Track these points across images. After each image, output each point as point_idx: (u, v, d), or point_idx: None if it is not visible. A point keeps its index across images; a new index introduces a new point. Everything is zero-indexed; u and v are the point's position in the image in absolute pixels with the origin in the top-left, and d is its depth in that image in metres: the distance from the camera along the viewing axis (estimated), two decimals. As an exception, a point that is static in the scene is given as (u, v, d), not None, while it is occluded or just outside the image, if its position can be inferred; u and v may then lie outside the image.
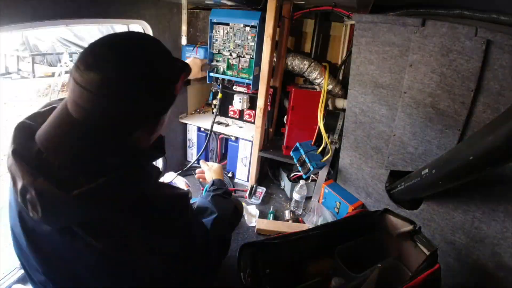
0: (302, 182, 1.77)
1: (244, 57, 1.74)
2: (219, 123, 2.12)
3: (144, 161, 0.62)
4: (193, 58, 1.32)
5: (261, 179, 2.09)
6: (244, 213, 1.65)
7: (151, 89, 0.53)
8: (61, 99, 0.61)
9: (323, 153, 1.74)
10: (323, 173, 1.83)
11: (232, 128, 2.07)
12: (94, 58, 0.50)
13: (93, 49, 0.51)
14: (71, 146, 0.53)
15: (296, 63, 1.82)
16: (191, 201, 0.97)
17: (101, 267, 0.61)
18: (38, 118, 0.60)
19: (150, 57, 0.55)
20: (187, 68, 0.63)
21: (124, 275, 0.64)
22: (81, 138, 0.53)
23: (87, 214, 0.56)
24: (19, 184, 0.54)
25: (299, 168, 1.72)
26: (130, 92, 0.51)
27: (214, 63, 1.83)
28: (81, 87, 0.49)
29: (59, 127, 0.53)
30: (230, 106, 2.14)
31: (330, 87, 1.79)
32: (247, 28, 1.67)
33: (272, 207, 1.84)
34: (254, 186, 1.97)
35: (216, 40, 1.77)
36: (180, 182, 1.83)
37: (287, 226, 1.62)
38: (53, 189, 0.52)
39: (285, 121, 1.88)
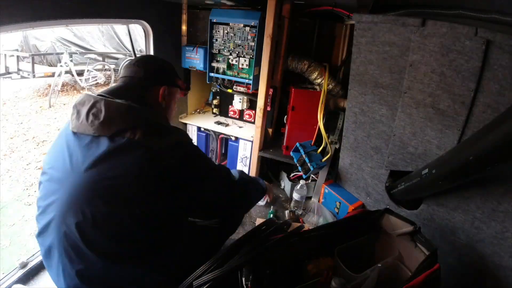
0: (302, 182, 1.77)
1: (244, 57, 1.74)
2: (219, 123, 2.12)
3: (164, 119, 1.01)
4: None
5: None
6: None
7: (158, 68, 1.06)
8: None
9: (323, 153, 1.74)
10: (323, 173, 1.83)
11: (232, 128, 2.07)
12: (136, 58, 1.07)
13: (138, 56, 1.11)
14: (119, 93, 0.94)
15: (296, 63, 1.82)
16: None
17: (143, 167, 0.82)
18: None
19: (161, 62, 1.10)
20: (179, 79, 1.11)
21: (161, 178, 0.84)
22: (124, 89, 0.97)
23: (134, 122, 0.84)
24: (87, 105, 0.84)
25: (299, 168, 1.72)
26: (149, 65, 1.03)
27: (214, 63, 1.83)
28: (128, 67, 1.01)
29: (113, 87, 0.97)
30: (230, 106, 2.14)
31: (330, 87, 1.79)
32: (247, 28, 1.67)
33: (272, 207, 1.84)
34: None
35: (216, 40, 1.77)
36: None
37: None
38: (115, 101, 0.86)
39: (285, 121, 1.88)
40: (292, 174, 1.99)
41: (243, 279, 0.80)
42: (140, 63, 1.00)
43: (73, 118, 0.86)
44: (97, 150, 0.81)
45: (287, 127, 1.86)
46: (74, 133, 0.85)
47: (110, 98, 0.88)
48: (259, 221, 1.67)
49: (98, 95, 0.91)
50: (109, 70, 6.02)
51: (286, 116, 1.86)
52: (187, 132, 2.23)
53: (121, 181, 0.79)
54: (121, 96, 0.91)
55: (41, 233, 0.86)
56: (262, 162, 2.06)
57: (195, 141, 2.21)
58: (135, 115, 0.86)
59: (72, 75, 5.57)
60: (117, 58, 6.41)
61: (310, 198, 1.89)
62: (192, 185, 0.92)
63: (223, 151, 2.24)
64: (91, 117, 0.82)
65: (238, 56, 1.75)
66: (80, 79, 5.61)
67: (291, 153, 1.73)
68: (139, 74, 0.98)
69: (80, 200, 0.78)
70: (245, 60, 1.74)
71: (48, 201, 0.84)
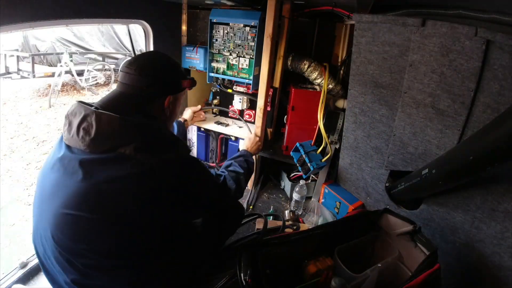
0: (302, 182, 1.77)
1: (244, 57, 1.74)
2: (219, 123, 2.12)
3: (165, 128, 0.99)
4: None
5: (261, 179, 2.09)
6: None
7: (162, 76, 0.94)
8: None
9: (323, 153, 1.74)
10: (323, 173, 1.83)
11: (232, 128, 2.07)
12: (134, 59, 0.94)
13: (136, 56, 0.95)
14: (117, 103, 0.88)
15: (296, 63, 1.82)
16: None
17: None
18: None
19: (166, 65, 0.98)
20: (187, 77, 1.02)
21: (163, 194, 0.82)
22: (123, 99, 0.89)
23: (127, 139, 0.78)
24: (78, 118, 0.78)
25: (299, 168, 1.72)
26: (152, 74, 0.92)
27: (214, 63, 1.83)
28: (127, 73, 0.90)
29: (110, 96, 0.90)
30: (230, 106, 2.14)
31: (330, 87, 1.79)
32: (247, 28, 1.67)
33: (272, 207, 1.84)
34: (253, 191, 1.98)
35: (216, 40, 1.77)
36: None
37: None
38: (107, 114, 0.78)
39: (285, 121, 1.88)
40: (292, 174, 1.99)
41: (242, 274, 0.80)
42: (142, 71, 0.89)
43: (65, 130, 0.82)
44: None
45: (287, 127, 1.86)
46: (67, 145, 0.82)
47: (102, 110, 0.81)
48: (259, 221, 1.66)
49: (91, 105, 0.84)
50: (109, 70, 6.02)
51: (286, 116, 1.86)
52: (187, 132, 2.23)
53: (107, 194, 0.77)
54: (120, 110, 0.83)
55: (34, 239, 0.86)
56: (262, 162, 2.06)
57: (195, 141, 2.21)
58: (128, 131, 0.80)
59: (72, 75, 5.56)
60: (117, 58, 6.41)
61: (310, 198, 1.89)
62: (189, 200, 0.91)
63: (223, 151, 2.24)
64: (82, 132, 0.77)
65: (238, 56, 1.75)
66: (80, 79, 5.61)
67: (291, 153, 1.73)
68: (140, 83, 0.88)
69: (69, 210, 0.76)
70: (245, 60, 1.74)
71: (38, 211, 0.84)
